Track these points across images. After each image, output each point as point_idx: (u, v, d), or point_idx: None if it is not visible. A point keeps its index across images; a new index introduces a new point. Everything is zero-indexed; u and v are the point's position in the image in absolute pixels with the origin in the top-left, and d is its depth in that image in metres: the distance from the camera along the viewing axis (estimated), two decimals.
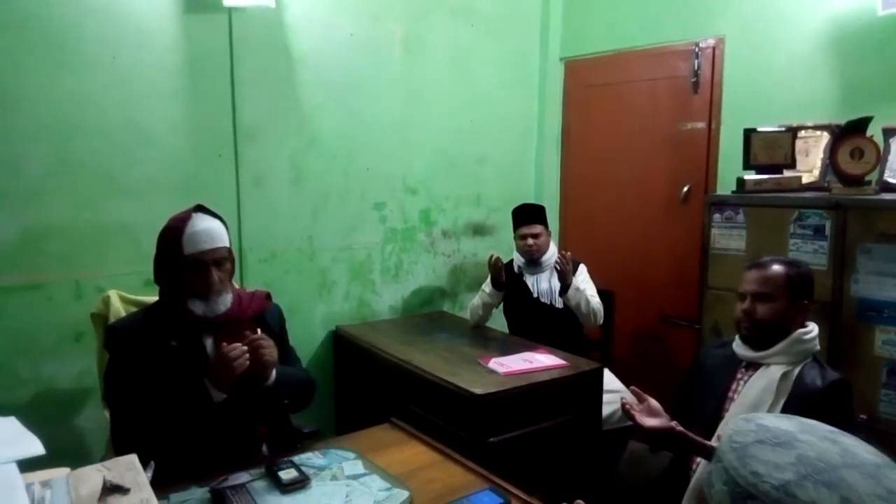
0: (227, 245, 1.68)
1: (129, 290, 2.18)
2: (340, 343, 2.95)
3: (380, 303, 3.16)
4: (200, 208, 1.69)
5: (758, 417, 0.76)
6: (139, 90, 2.40)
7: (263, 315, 1.78)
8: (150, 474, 1.27)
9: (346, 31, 2.88)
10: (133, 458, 1.14)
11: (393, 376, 2.53)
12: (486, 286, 2.93)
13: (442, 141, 3.27)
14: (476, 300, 2.97)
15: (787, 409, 1.63)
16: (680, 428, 1.60)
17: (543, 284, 2.88)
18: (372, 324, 3.06)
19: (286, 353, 1.84)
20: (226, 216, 1.75)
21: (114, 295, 2.11)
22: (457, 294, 3.45)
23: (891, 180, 2.31)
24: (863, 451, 0.69)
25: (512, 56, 3.50)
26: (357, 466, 1.59)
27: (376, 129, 3.04)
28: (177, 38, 2.45)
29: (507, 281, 2.89)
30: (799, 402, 1.63)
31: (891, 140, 2.33)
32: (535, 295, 2.87)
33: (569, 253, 2.81)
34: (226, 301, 1.66)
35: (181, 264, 1.61)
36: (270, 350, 1.59)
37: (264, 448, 1.71)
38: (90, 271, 2.37)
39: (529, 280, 2.90)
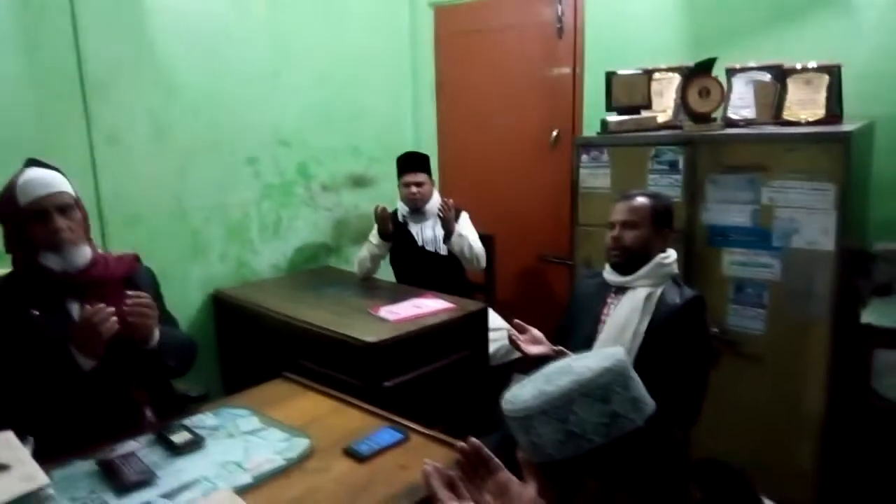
0: (70, 192, 1.55)
1: None
2: (221, 306, 2.84)
3: (260, 262, 3.06)
4: (33, 161, 1.55)
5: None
6: None
7: (133, 278, 1.67)
8: (29, 450, 1.17)
9: None
10: (9, 435, 1.05)
11: (281, 335, 2.48)
12: (374, 238, 2.92)
13: (314, 91, 3.17)
14: (363, 252, 2.96)
15: (651, 326, 1.81)
16: (560, 348, 1.73)
17: (428, 233, 2.92)
18: (254, 284, 2.96)
19: (164, 317, 1.74)
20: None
21: None
22: (341, 248, 3.41)
23: (733, 116, 2.54)
24: (583, 354, 0.91)
25: (381, 2, 3.43)
26: (252, 422, 1.57)
27: (242, 79, 2.88)
28: None
29: (393, 231, 2.90)
30: (661, 318, 1.81)
31: (733, 79, 2.56)
32: (421, 243, 2.91)
33: (451, 200, 2.86)
34: (83, 253, 1.53)
35: (22, 218, 1.47)
36: (152, 310, 1.50)
37: (149, 414, 1.63)
38: None
39: (414, 229, 2.93)
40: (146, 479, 1.28)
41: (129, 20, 2.49)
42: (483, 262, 2.92)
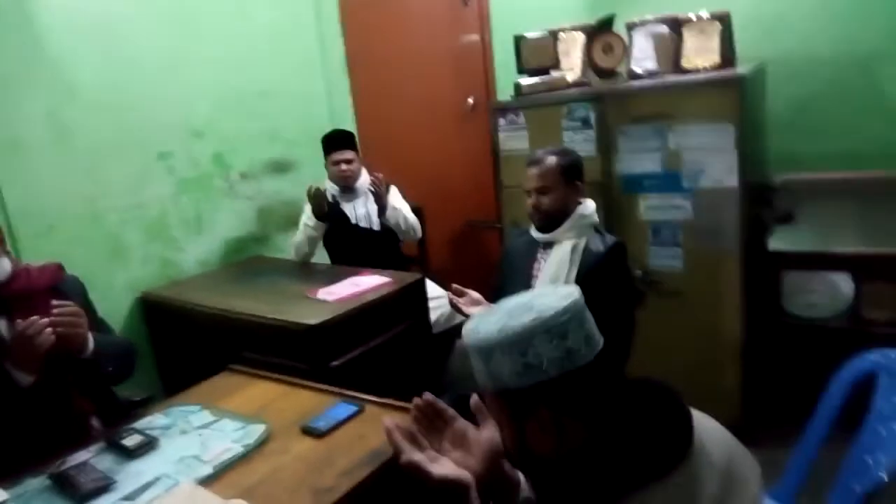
0: None
1: None
2: (151, 309, 2.76)
3: (186, 260, 2.97)
4: None
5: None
6: None
7: (59, 287, 1.61)
8: None
9: None
10: None
11: (218, 330, 2.44)
12: (309, 220, 2.88)
13: (222, 78, 3.06)
14: (298, 236, 2.93)
15: (580, 275, 1.91)
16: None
17: (361, 210, 2.93)
18: (182, 282, 2.88)
19: (96, 324, 1.70)
20: None
21: None
22: (268, 237, 3.35)
23: (636, 69, 2.67)
24: (542, 289, 0.97)
25: None
26: (204, 416, 1.56)
27: (146, 71, 2.75)
28: None
29: (328, 211, 2.88)
30: (588, 266, 1.92)
31: (633, 33, 2.68)
32: (354, 221, 2.91)
33: (381, 175, 2.87)
34: (2, 267, 1.47)
35: None
36: (80, 318, 1.46)
37: (95, 424, 1.59)
38: None
39: (347, 207, 2.93)
40: (105, 485, 1.26)
41: (13, 19, 2.33)
42: (419, 232, 2.96)
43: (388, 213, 2.84)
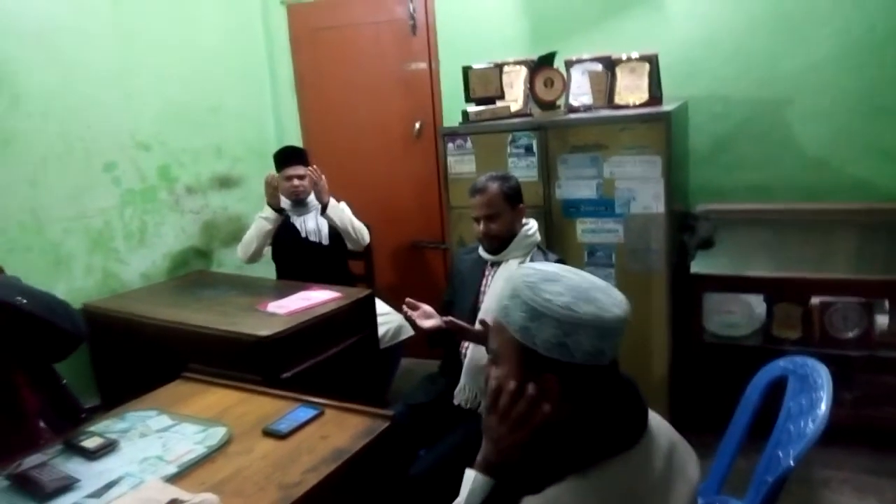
0: None
1: None
2: (92, 321, 2.67)
3: (129, 272, 2.94)
4: None
5: (532, 265, 1.03)
6: None
7: None
8: None
9: None
10: None
11: (164, 342, 2.43)
12: (264, 212, 2.96)
13: (170, 91, 3.08)
14: (250, 232, 2.98)
15: None
16: (451, 319, 1.92)
17: (311, 223, 2.98)
18: (124, 295, 2.83)
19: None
20: None
21: None
22: (212, 251, 3.35)
23: (573, 103, 2.87)
24: (594, 278, 1.01)
25: (230, 1, 3.39)
26: (163, 420, 1.58)
27: (92, 81, 2.74)
28: None
29: (271, 235, 2.94)
30: None
31: (571, 69, 2.89)
32: (304, 234, 2.96)
33: (318, 169, 3.00)
34: None
35: None
36: None
37: (42, 425, 1.57)
38: None
39: (297, 221, 2.98)
40: (69, 484, 1.27)
41: None
42: (366, 237, 3.05)
43: (331, 210, 2.93)
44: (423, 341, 2.13)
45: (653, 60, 2.70)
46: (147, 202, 3.01)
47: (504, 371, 0.97)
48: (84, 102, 2.71)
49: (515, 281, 0.97)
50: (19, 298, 1.45)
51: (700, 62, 2.88)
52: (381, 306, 2.97)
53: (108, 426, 1.55)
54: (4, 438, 1.45)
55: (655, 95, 2.70)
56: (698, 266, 2.73)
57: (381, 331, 2.79)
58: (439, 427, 2.04)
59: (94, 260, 2.78)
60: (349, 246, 3.04)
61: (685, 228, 2.85)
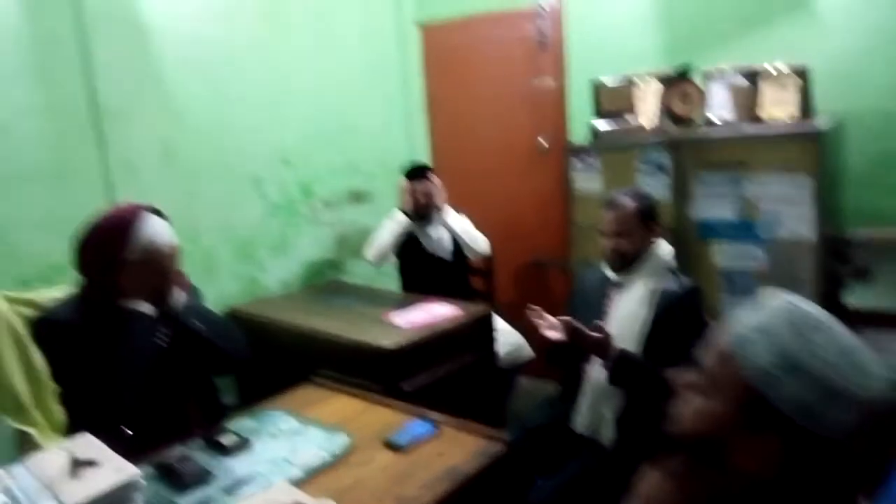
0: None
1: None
2: (237, 323, 2.92)
3: (269, 279, 3.16)
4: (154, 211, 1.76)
5: (794, 300, 0.85)
6: None
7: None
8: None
9: (198, 3, 2.80)
10: (89, 437, 1.14)
11: (297, 347, 2.58)
12: (397, 218, 3.08)
13: (312, 112, 3.29)
14: (384, 235, 3.09)
15: (657, 317, 1.93)
16: (569, 319, 1.88)
17: (434, 236, 3.07)
18: (265, 300, 3.05)
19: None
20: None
21: None
22: (344, 262, 3.52)
23: (711, 117, 2.71)
24: (856, 338, 0.81)
25: (370, 23, 3.57)
26: (291, 423, 1.67)
27: (244, 102, 2.99)
28: (18, 15, 2.26)
29: (402, 240, 3.05)
30: (663, 309, 1.94)
31: (710, 83, 2.73)
32: (430, 250, 3.06)
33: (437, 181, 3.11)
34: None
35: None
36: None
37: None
38: None
39: (421, 234, 3.09)
40: (204, 478, 1.38)
41: (138, 51, 2.60)
42: (484, 246, 3.09)
43: (448, 218, 3.03)
44: (542, 358, 2.09)
45: (803, 74, 2.49)
46: (289, 215, 3.23)
47: (711, 408, 0.82)
48: (236, 122, 2.96)
49: (773, 315, 0.82)
50: (197, 323, 1.72)
51: (856, 74, 2.61)
52: (500, 324, 2.96)
53: (241, 424, 1.67)
54: (166, 435, 1.60)
55: (806, 110, 2.49)
56: (853, 299, 2.47)
57: (500, 349, 2.78)
58: (557, 453, 1.98)
59: (240, 267, 3.02)
60: (468, 255, 3.08)
61: (837, 256, 2.59)
